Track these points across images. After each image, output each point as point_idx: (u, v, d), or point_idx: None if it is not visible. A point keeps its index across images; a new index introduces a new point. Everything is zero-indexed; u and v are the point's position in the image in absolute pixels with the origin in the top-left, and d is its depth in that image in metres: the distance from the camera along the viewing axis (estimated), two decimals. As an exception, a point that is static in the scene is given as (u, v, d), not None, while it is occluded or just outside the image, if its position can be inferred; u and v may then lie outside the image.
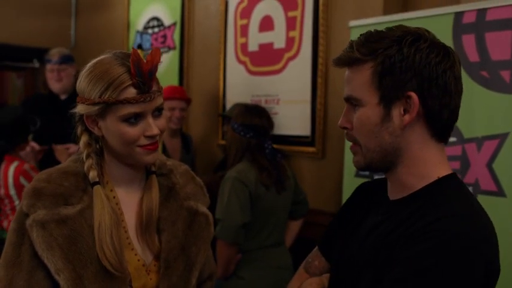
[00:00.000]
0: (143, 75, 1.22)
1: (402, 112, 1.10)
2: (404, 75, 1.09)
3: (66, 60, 3.69)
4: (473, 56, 2.19)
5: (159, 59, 1.26)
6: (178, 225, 1.39)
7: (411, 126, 1.12)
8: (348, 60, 1.16)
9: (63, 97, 3.72)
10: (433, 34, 1.15)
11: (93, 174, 1.31)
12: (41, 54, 5.10)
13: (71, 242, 1.24)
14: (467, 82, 2.21)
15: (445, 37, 2.24)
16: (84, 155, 1.33)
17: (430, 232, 1.01)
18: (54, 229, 1.24)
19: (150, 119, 1.26)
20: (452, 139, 2.25)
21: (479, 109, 2.17)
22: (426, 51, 1.09)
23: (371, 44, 1.12)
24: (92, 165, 1.31)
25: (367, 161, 1.16)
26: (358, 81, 1.14)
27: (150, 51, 1.26)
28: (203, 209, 1.48)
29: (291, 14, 3.23)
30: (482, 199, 2.14)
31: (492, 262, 1.04)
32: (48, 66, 3.69)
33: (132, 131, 1.25)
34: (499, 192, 2.09)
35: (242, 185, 2.54)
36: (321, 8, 3.05)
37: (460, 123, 2.23)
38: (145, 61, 1.22)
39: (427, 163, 1.14)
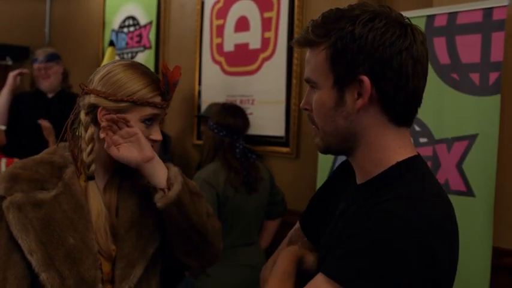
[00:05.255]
0: (169, 86, 1.43)
1: (356, 96, 1.06)
2: (356, 57, 1.04)
3: (51, 58, 3.75)
4: (444, 58, 2.23)
5: (180, 76, 1.47)
6: (132, 201, 1.47)
7: (366, 110, 1.07)
8: (304, 42, 1.13)
9: (50, 95, 3.77)
10: (396, 13, 1.09)
11: (92, 169, 1.41)
12: (14, 51, 5.05)
13: (45, 225, 1.32)
14: (438, 84, 2.26)
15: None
16: (88, 149, 1.41)
17: (375, 213, 1.00)
18: (29, 212, 1.32)
19: (157, 125, 1.43)
20: (423, 140, 2.30)
21: (450, 111, 2.21)
22: (381, 31, 1.03)
23: (326, 25, 1.08)
24: (93, 160, 1.41)
25: (325, 144, 1.14)
26: (314, 64, 1.11)
27: (170, 71, 1.45)
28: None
29: (266, 14, 3.25)
30: (452, 199, 2.17)
31: (438, 250, 0.98)
32: (35, 66, 3.75)
33: (144, 131, 1.39)
34: (468, 192, 2.14)
35: (210, 187, 2.58)
36: (296, 9, 3.07)
37: (430, 125, 2.28)
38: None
39: (385, 149, 1.10)
